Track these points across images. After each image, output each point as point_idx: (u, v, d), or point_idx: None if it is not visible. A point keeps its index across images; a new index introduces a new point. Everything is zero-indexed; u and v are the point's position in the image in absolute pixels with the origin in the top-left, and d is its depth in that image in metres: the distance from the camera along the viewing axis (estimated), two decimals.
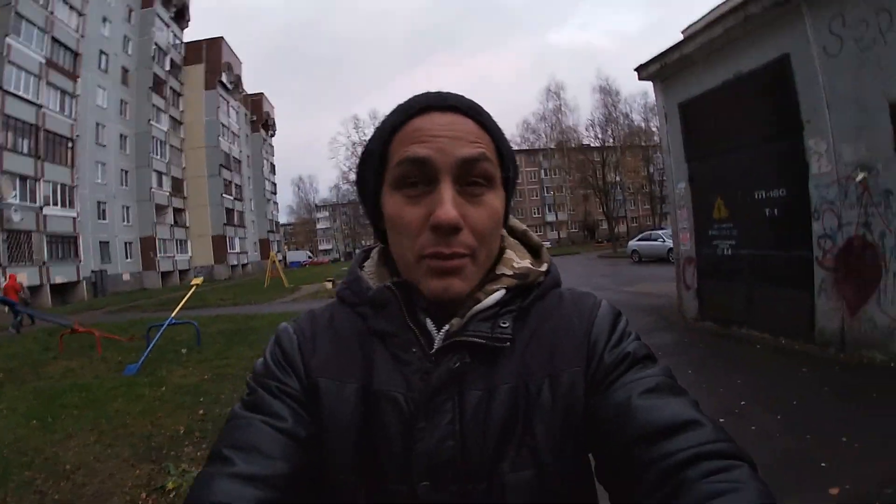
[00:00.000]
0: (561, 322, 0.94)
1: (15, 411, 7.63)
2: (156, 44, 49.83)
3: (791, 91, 7.96)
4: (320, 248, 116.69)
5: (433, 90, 0.91)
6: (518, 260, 0.97)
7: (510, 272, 0.94)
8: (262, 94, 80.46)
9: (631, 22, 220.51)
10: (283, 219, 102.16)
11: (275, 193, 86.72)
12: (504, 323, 0.89)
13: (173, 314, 12.08)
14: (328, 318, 0.97)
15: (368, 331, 0.90)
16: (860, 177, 7.12)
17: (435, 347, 0.87)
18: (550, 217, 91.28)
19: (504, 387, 0.87)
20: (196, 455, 5.85)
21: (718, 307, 10.09)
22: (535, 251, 1.02)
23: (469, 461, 0.83)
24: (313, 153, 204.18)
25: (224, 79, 61.28)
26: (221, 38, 62.02)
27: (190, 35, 58.22)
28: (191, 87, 57.14)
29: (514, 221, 1.03)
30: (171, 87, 53.08)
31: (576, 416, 0.86)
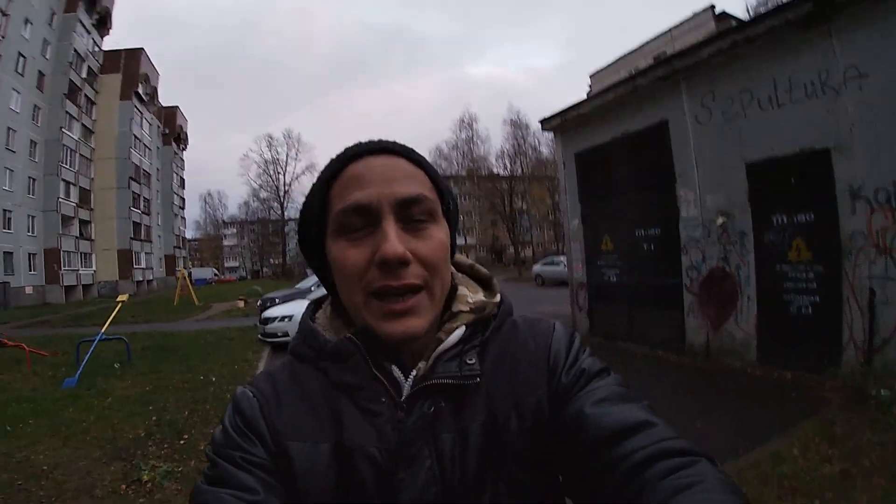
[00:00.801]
0: (518, 349, 0.94)
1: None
2: (75, 49, 47.07)
3: (667, 150, 9.41)
4: (226, 265, 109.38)
5: (365, 139, 0.90)
6: (472, 294, 0.95)
7: (467, 308, 0.92)
8: (176, 107, 76.68)
9: (545, 60, 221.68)
10: (189, 234, 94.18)
11: (183, 208, 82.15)
12: (470, 360, 0.87)
13: (103, 330, 11.99)
14: (287, 376, 0.90)
15: (332, 386, 0.86)
16: (720, 221, 8.60)
17: (405, 394, 0.85)
18: (460, 241, 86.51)
19: (475, 424, 0.86)
20: (160, 453, 6.20)
21: (606, 325, 11.42)
22: (485, 283, 1.00)
23: (453, 502, 0.82)
24: (224, 169, 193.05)
25: (140, 90, 58.41)
26: (142, 49, 59.52)
27: (110, 43, 55.31)
28: (106, 96, 54.15)
29: (459, 257, 1.01)
30: (85, 95, 50.16)
31: (544, 438, 0.85)
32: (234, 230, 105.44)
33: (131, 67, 57.27)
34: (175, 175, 75.20)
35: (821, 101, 7.19)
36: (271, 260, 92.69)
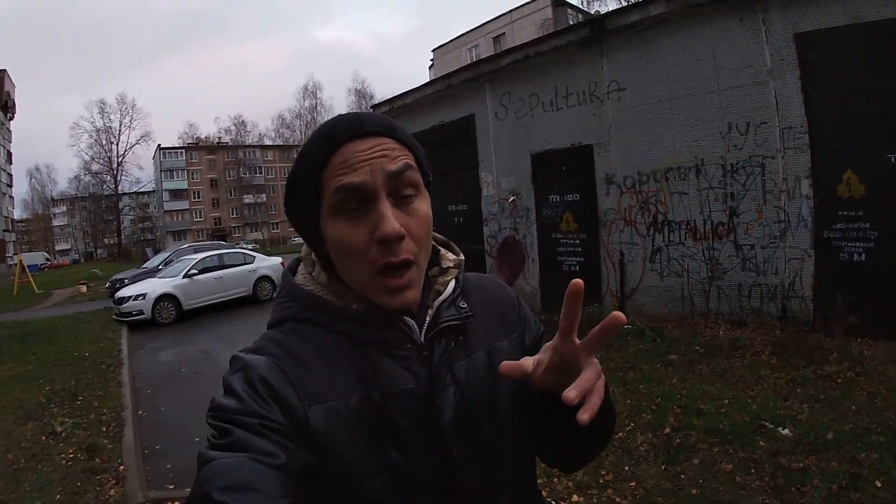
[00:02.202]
0: (493, 297, 1.10)
1: None
2: None
3: (473, 139, 10.57)
4: (57, 248, 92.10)
5: (346, 114, 0.91)
6: (452, 255, 1.06)
7: (452, 264, 1.03)
8: (4, 71, 59.83)
9: (394, 27, 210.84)
10: (15, 214, 71.72)
11: (11, 186, 64.95)
12: (462, 304, 0.99)
13: None
14: (298, 340, 0.90)
15: (356, 343, 0.89)
16: (511, 199, 9.89)
17: (423, 338, 0.93)
18: None
19: (480, 352, 0.98)
20: (63, 412, 6.74)
21: None
22: (446, 245, 1.09)
23: (475, 417, 0.92)
24: (52, 139, 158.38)
25: None
26: None
27: None
28: None
29: None
30: None
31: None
32: (65, 209, 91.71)
33: None
34: (2, 148, 62.37)
35: (589, 107, 8.55)
36: (106, 240, 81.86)
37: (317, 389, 0.84)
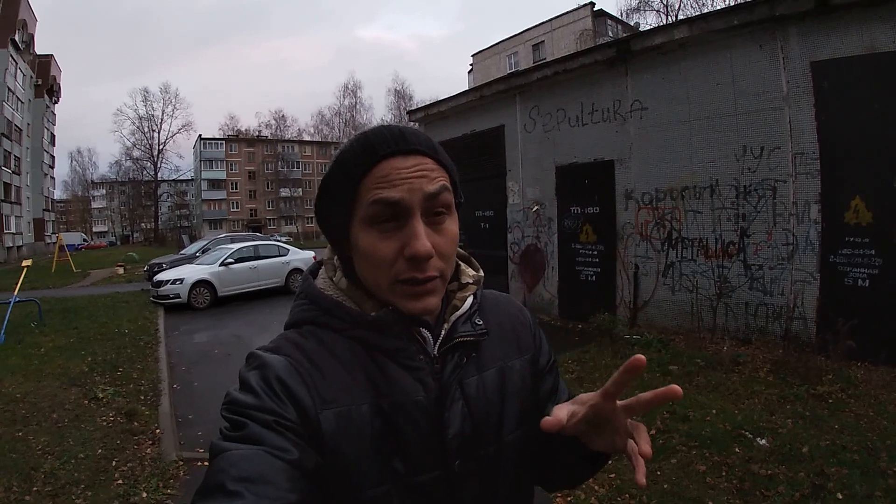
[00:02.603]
0: (509, 316, 1.11)
1: None
2: None
3: (502, 149, 11.04)
4: (95, 229, 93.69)
5: (388, 127, 0.91)
6: (472, 270, 1.07)
7: (471, 280, 1.04)
8: (51, 55, 62.51)
9: (436, 29, 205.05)
10: (56, 195, 77.02)
11: (53, 167, 68.56)
12: (478, 321, 1.00)
13: (15, 293, 11.79)
14: (314, 344, 0.92)
15: (370, 350, 0.91)
16: (535, 208, 10.32)
17: (436, 351, 0.94)
18: None
19: (491, 370, 1.00)
20: (104, 381, 7.36)
21: None
22: (466, 261, 1.10)
23: (480, 434, 0.94)
24: (94, 122, 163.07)
25: (17, 37, 47.95)
26: None
27: None
28: None
29: None
30: None
31: (531, 386, 1.06)
32: (104, 192, 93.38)
33: (9, 12, 46.78)
34: (46, 131, 62.71)
35: (612, 124, 8.93)
36: (143, 224, 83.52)
37: (329, 394, 0.86)
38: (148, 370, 8.07)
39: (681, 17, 31.90)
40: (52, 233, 60.14)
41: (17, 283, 12.81)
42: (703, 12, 15.42)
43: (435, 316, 0.96)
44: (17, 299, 11.43)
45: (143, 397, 6.81)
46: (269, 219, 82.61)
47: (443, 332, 0.95)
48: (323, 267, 1.04)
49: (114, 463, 4.80)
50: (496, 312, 1.08)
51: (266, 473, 0.72)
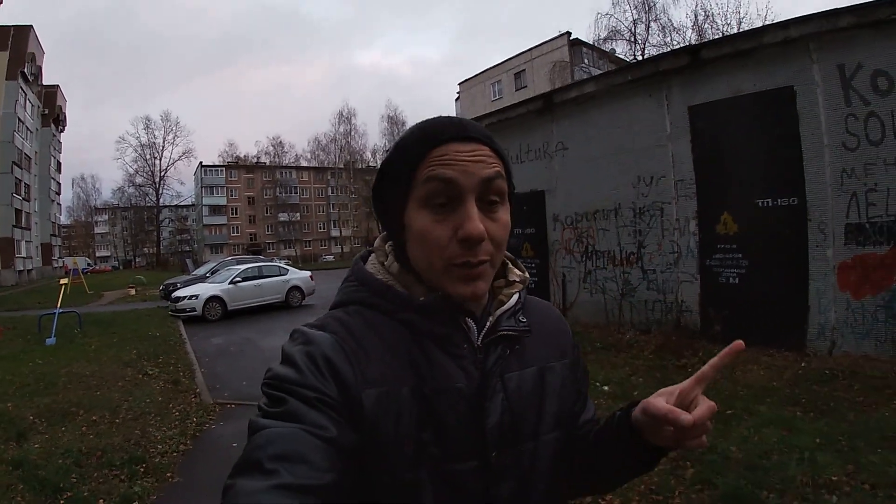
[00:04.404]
0: (551, 321, 1.12)
1: (27, 362, 9.85)
2: None
3: None
4: (97, 254, 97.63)
5: (447, 117, 0.93)
6: (518, 271, 1.06)
7: (518, 279, 1.04)
8: (57, 86, 65.58)
9: (434, 52, 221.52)
10: (61, 220, 76.81)
11: (59, 194, 70.79)
12: (522, 318, 1.00)
13: (58, 306, 13.88)
14: (362, 324, 0.92)
15: (416, 334, 0.91)
16: None
17: (480, 341, 0.94)
18: (335, 232, 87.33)
19: (532, 368, 1.00)
20: (150, 364, 9.64)
21: None
22: (513, 262, 1.07)
23: (519, 429, 0.94)
24: (99, 147, 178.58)
25: (26, 70, 50.36)
26: (30, 26, 51.80)
27: None
28: None
29: None
30: None
31: (569, 391, 1.07)
32: (106, 217, 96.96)
33: (19, 45, 49.59)
34: (52, 159, 65.83)
35: (543, 161, 10.86)
36: (145, 249, 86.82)
37: (373, 373, 0.86)
38: (181, 359, 10.38)
39: (648, 45, 34.65)
40: (59, 257, 62.15)
41: (58, 297, 14.68)
42: (608, 70, 17.50)
43: (481, 308, 0.97)
44: (60, 311, 13.39)
45: (181, 374, 9.09)
46: (269, 242, 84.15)
47: (487, 324, 0.96)
48: (373, 254, 1.04)
49: (170, 405, 7.15)
50: (539, 314, 1.10)
51: (304, 452, 0.73)
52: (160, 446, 5.66)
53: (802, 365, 6.71)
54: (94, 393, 7.56)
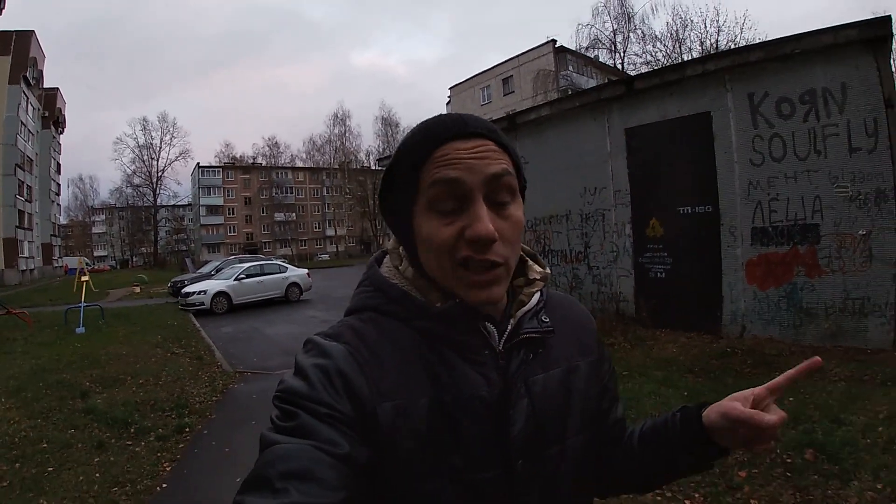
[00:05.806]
0: (575, 317, 1.08)
1: (67, 346, 11.06)
2: None
3: None
4: (95, 253, 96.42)
5: (448, 115, 0.90)
6: (538, 267, 1.02)
7: (538, 276, 1.00)
8: (57, 89, 66.73)
9: (429, 52, 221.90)
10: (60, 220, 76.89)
11: (59, 195, 71.96)
12: (545, 318, 0.95)
13: (83, 300, 14.86)
14: (376, 333, 0.89)
15: (433, 342, 0.88)
16: None
17: (501, 346, 0.91)
18: (330, 232, 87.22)
19: (556, 370, 0.96)
20: (175, 347, 11.28)
21: None
22: (533, 257, 1.05)
23: (545, 434, 0.91)
24: (95, 148, 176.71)
25: (28, 74, 51.56)
26: (33, 31, 53.06)
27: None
28: None
29: None
30: None
31: (595, 389, 1.04)
32: (104, 217, 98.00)
33: (21, 50, 50.71)
34: (52, 160, 66.92)
35: None
36: (143, 249, 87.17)
37: (388, 386, 0.83)
38: (200, 342, 12.31)
39: (629, 54, 36.09)
40: (59, 257, 63.08)
41: (82, 293, 16.02)
42: (559, 97, 19.02)
43: (501, 310, 0.94)
44: (85, 305, 14.74)
45: (203, 353, 10.99)
46: (265, 242, 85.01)
47: (508, 328, 0.93)
48: (388, 256, 1.01)
49: (199, 373, 9.09)
50: (563, 311, 1.06)
51: (314, 470, 0.71)
52: (198, 398, 7.59)
53: (713, 346, 7.67)
54: (135, 366, 9.23)
